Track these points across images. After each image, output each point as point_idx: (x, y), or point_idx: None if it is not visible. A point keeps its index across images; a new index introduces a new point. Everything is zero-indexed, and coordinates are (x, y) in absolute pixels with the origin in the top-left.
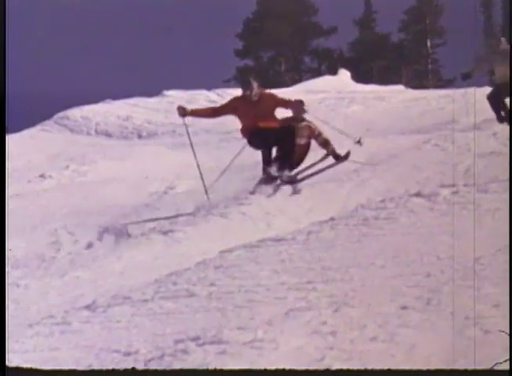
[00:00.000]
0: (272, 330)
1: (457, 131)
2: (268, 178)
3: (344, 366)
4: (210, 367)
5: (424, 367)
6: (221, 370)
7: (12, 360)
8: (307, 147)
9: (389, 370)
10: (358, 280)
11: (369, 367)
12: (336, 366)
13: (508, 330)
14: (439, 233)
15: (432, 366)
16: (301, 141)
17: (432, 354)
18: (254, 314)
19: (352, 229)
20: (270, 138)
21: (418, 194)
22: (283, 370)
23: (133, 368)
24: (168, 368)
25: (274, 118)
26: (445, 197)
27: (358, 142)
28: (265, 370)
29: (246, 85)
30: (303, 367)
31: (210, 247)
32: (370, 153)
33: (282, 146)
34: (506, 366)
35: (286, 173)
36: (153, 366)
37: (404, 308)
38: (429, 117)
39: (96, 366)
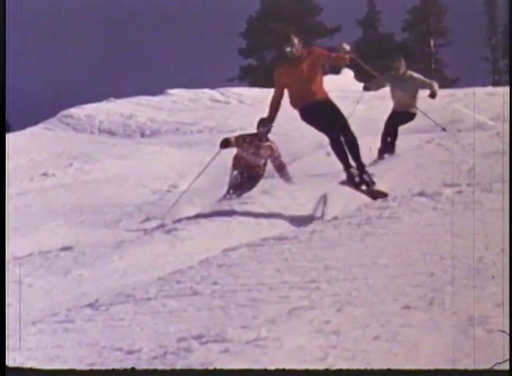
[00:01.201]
0: (276, 329)
1: (461, 130)
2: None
3: (347, 366)
4: (214, 366)
5: (427, 367)
6: (221, 370)
7: (16, 358)
8: (264, 168)
9: (389, 370)
10: (362, 279)
11: (372, 366)
12: (339, 365)
13: (508, 330)
14: (442, 232)
15: (435, 366)
16: (261, 161)
17: (435, 353)
18: (257, 313)
19: (355, 229)
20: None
21: (421, 194)
22: (283, 370)
23: (133, 368)
24: (168, 368)
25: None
26: (448, 197)
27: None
28: (265, 370)
29: (286, 40)
30: (306, 366)
31: (214, 245)
32: (373, 153)
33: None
34: (506, 367)
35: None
36: (156, 364)
37: (407, 307)
38: (432, 116)
39: (99, 365)
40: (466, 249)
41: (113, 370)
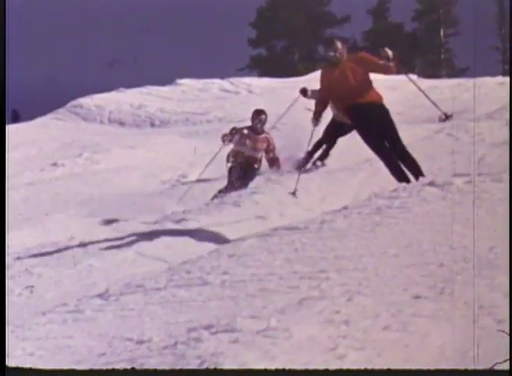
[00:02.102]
0: (286, 319)
1: (470, 120)
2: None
3: (358, 356)
4: (224, 356)
5: (438, 356)
6: (221, 370)
7: (25, 348)
8: (260, 161)
9: (389, 370)
10: (372, 269)
11: (383, 356)
12: (349, 355)
13: (508, 330)
14: (452, 222)
15: (445, 356)
16: (258, 154)
17: (446, 343)
18: (267, 303)
19: (365, 219)
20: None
21: (431, 184)
22: (283, 370)
23: (133, 368)
24: (168, 368)
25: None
26: (458, 187)
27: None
28: (265, 370)
29: (330, 45)
30: (316, 356)
31: (223, 235)
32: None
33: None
34: (506, 367)
35: None
36: (166, 354)
37: (417, 297)
38: (442, 106)
39: (109, 355)
40: (477, 239)
41: (113, 369)
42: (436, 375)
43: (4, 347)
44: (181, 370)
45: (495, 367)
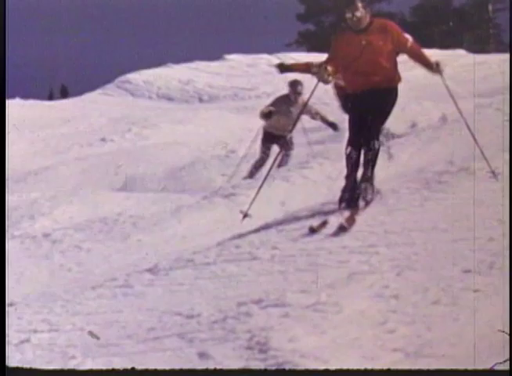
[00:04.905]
0: (335, 293)
1: None
2: None
3: (408, 330)
4: (274, 330)
5: (488, 331)
6: (221, 370)
7: (75, 323)
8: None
9: (389, 370)
10: (421, 243)
11: (433, 331)
12: (399, 329)
13: (508, 330)
14: (501, 197)
15: (495, 330)
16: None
17: (496, 317)
18: (317, 277)
19: (414, 193)
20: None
21: (479, 158)
22: (283, 370)
23: (133, 368)
24: (168, 368)
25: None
26: (507, 161)
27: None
28: (265, 370)
29: (348, 4)
30: (366, 330)
31: (272, 211)
32: (431, 118)
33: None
34: (506, 367)
35: None
36: (216, 328)
37: (467, 271)
38: (491, 81)
39: (159, 330)
40: None
41: (112, 369)
42: (436, 375)
43: (4, 347)
44: (181, 370)
45: (495, 367)
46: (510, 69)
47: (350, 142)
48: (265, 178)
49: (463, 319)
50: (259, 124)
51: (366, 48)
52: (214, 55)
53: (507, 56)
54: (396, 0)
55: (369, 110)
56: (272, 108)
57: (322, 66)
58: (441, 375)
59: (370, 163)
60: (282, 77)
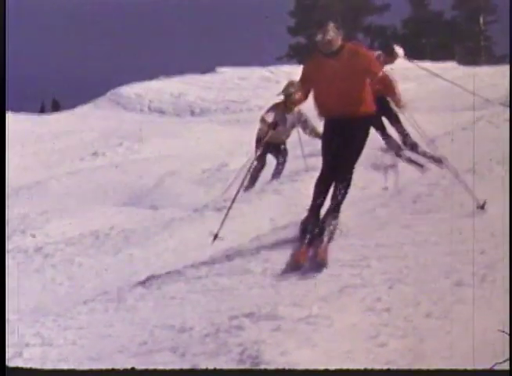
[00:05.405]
0: (327, 306)
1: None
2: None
3: (400, 344)
4: (266, 344)
5: (480, 344)
6: (221, 370)
7: (67, 337)
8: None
9: (388, 370)
10: (412, 257)
11: (425, 344)
12: (391, 343)
13: (508, 330)
14: (492, 209)
15: (489, 343)
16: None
17: (488, 330)
18: (309, 291)
19: (405, 207)
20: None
21: (472, 171)
22: (283, 369)
23: (133, 368)
24: (168, 368)
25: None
26: (499, 174)
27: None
28: (265, 370)
29: (319, 27)
30: (358, 344)
31: (264, 223)
32: (423, 131)
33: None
34: (506, 367)
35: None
36: (208, 342)
37: (459, 284)
38: (482, 93)
39: (151, 343)
40: None
41: (112, 369)
42: (436, 375)
43: (4, 347)
44: (181, 370)
45: (495, 367)
46: (509, 77)
47: (321, 172)
48: (233, 201)
49: (455, 331)
50: (250, 137)
51: (337, 74)
52: (206, 67)
53: (498, 68)
54: (387, 12)
55: (339, 138)
56: (275, 119)
57: (290, 94)
58: (441, 375)
59: (339, 196)
60: (274, 90)
